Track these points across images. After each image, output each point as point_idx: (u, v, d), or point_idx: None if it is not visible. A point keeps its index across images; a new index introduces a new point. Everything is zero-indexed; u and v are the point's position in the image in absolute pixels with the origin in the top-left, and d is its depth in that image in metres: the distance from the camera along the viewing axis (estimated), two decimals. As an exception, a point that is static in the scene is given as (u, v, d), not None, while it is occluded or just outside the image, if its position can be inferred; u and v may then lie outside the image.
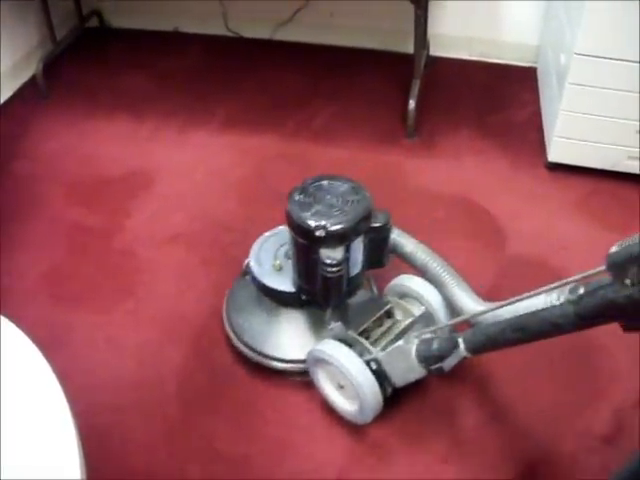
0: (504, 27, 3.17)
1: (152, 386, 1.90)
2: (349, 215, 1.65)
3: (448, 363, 1.55)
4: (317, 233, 1.62)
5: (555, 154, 2.53)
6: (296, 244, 1.72)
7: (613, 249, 1.11)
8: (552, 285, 1.27)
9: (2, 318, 1.12)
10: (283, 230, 1.87)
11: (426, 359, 1.59)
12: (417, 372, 1.63)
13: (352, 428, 1.78)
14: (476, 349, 1.50)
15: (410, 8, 2.59)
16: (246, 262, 1.94)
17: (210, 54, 3.35)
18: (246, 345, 1.90)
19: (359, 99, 2.99)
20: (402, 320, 1.79)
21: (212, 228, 2.39)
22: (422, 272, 1.80)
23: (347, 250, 1.67)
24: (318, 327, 1.87)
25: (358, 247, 1.71)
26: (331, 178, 1.76)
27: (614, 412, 1.81)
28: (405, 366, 1.63)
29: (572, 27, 2.34)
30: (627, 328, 1.18)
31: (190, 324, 2.06)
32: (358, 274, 1.78)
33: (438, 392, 1.87)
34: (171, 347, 2.00)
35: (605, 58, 2.24)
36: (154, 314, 2.10)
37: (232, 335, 1.95)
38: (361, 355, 1.68)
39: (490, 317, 1.56)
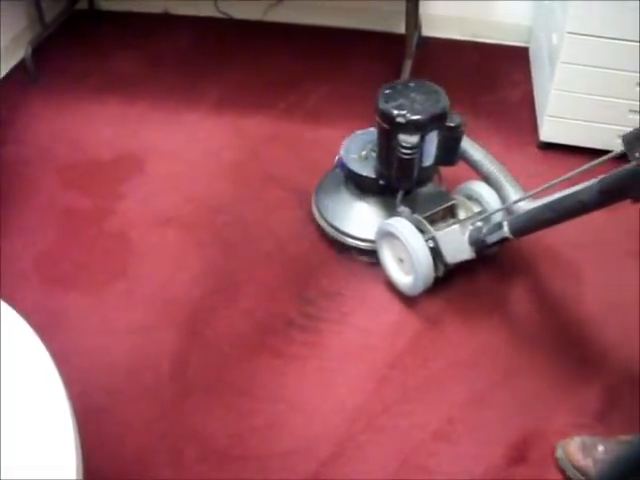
0: (496, 7, 3.15)
1: (146, 368, 1.90)
2: (427, 109, 1.93)
3: (490, 238, 1.85)
4: (398, 120, 1.91)
5: (547, 134, 2.53)
6: (381, 131, 2.00)
7: (627, 131, 1.36)
8: (575, 171, 1.54)
9: (2, 303, 1.11)
10: (371, 131, 2.16)
11: (476, 242, 1.90)
12: (467, 253, 1.93)
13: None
14: (517, 229, 1.77)
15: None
16: (337, 157, 2.24)
17: (200, 36, 3.32)
18: (327, 222, 2.21)
19: (351, 80, 2.98)
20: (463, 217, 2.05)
21: (205, 210, 2.38)
22: (485, 179, 2.08)
23: (422, 140, 1.94)
24: (390, 213, 2.12)
25: (432, 141, 1.98)
26: (418, 81, 2.06)
27: (605, 388, 1.83)
28: (457, 246, 1.93)
29: (563, 6, 2.33)
30: (635, 200, 1.40)
31: (183, 306, 2.06)
32: (429, 166, 2.06)
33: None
34: (164, 329, 2.00)
35: (597, 37, 2.23)
36: (147, 296, 2.10)
37: (317, 214, 2.26)
38: (422, 233, 1.95)
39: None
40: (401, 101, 1.95)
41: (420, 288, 1.98)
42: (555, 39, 2.43)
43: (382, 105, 1.96)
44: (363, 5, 3.21)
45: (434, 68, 3.07)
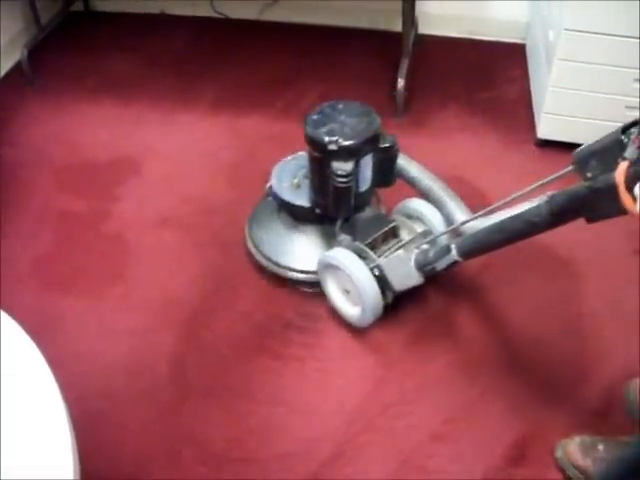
0: (493, 4, 3.15)
1: (144, 371, 1.90)
2: (360, 133, 1.84)
3: (440, 264, 1.74)
4: (330, 147, 1.80)
5: (545, 131, 2.53)
6: (312, 159, 1.91)
7: (578, 149, 1.31)
8: (527, 189, 1.46)
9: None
10: (303, 155, 2.04)
11: (423, 266, 1.79)
12: (414, 279, 1.83)
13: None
14: (466, 252, 1.66)
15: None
16: (268, 185, 2.10)
17: (197, 36, 3.32)
18: (264, 256, 2.09)
19: (348, 78, 2.97)
20: (406, 238, 1.95)
21: (202, 211, 2.37)
22: (425, 195, 1.97)
23: (357, 165, 1.85)
24: (329, 242, 2.03)
25: (367, 164, 1.89)
26: (346, 102, 1.95)
27: (604, 387, 1.82)
28: (404, 272, 1.83)
29: (560, 3, 2.32)
30: (589, 220, 1.33)
31: (181, 308, 2.06)
32: (367, 190, 1.96)
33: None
34: (162, 331, 2.00)
35: (593, 33, 2.23)
36: (145, 298, 2.10)
37: (252, 247, 2.13)
38: (366, 262, 1.86)
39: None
40: (331, 126, 1.85)
41: (369, 319, 1.91)
42: (551, 36, 2.42)
43: (311, 132, 1.85)
44: (359, 4, 3.21)
45: (431, 66, 3.06)
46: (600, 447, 1.57)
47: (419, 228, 1.96)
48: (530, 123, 2.64)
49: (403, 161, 1.98)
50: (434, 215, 1.97)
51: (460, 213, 1.89)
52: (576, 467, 1.58)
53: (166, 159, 2.61)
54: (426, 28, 3.18)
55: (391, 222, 1.98)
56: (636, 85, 2.28)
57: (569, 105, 2.42)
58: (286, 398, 1.84)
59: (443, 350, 1.94)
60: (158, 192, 2.46)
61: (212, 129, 2.74)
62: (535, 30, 2.85)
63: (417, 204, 2.01)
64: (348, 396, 1.83)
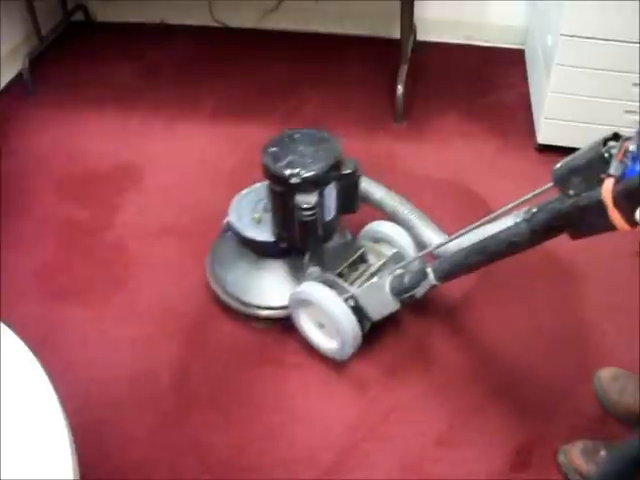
0: (491, 10, 3.16)
1: (146, 379, 1.90)
2: (321, 162, 1.78)
3: (419, 291, 1.69)
4: (292, 180, 1.74)
5: (544, 136, 2.53)
6: (273, 194, 1.84)
7: (557, 165, 1.27)
8: (505, 208, 1.41)
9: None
10: (260, 187, 2.01)
11: (399, 292, 1.74)
12: (391, 306, 1.77)
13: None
14: (444, 276, 1.62)
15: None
16: (225, 220, 2.04)
17: (197, 45, 3.33)
18: (231, 296, 2.00)
19: (347, 86, 2.98)
20: (375, 263, 1.90)
21: (203, 220, 2.37)
22: (392, 217, 1.94)
23: (320, 195, 1.78)
24: (297, 275, 1.96)
25: (331, 193, 1.83)
26: (302, 131, 1.89)
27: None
28: (380, 300, 1.77)
29: (558, 8, 2.33)
30: (574, 236, 1.31)
31: (183, 316, 2.06)
32: (332, 219, 1.90)
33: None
34: (164, 340, 2.00)
35: (591, 38, 2.23)
36: (147, 307, 2.10)
37: (217, 288, 2.04)
38: (340, 294, 1.80)
39: (455, 248, 1.66)
40: (290, 158, 1.78)
41: (349, 353, 1.85)
42: (550, 40, 2.43)
43: (271, 166, 1.78)
44: (357, 10, 3.22)
45: (430, 72, 3.08)
46: (602, 452, 1.57)
47: (387, 251, 1.91)
48: (530, 128, 2.65)
49: (366, 184, 1.94)
50: (401, 236, 1.93)
51: (430, 232, 1.87)
52: (578, 472, 1.58)
53: (167, 168, 2.61)
54: (425, 34, 3.19)
55: (360, 248, 1.94)
56: (635, 89, 2.28)
57: (569, 110, 2.42)
58: (289, 405, 1.84)
59: (443, 357, 1.94)
60: (159, 201, 2.47)
61: (213, 137, 2.75)
62: (534, 35, 2.86)
63: (382, 226, 1.97)
64: (352, 403, 1.83)
